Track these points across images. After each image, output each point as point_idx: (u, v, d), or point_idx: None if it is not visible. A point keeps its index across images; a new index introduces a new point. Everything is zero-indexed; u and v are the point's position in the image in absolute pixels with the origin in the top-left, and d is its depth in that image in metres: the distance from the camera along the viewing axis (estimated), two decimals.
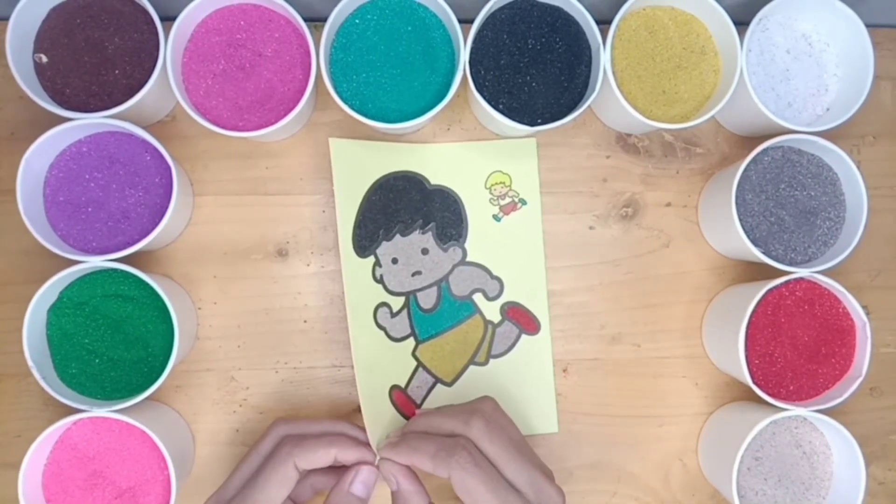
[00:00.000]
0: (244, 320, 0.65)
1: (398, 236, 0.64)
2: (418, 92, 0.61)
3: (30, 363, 0.57)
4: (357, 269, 0.63)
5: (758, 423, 0.59)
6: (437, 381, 0.64)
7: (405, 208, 0.64)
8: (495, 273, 0.65)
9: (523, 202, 0.65)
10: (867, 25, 0.62)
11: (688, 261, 0.68)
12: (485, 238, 0.65)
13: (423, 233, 0.64)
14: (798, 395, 0.62)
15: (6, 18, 0.58)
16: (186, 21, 0.60)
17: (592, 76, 0.62)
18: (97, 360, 0.60)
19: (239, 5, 0.61)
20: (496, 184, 0.65)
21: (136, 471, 0.59)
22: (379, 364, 0.62)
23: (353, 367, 0.62)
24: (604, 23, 0.61)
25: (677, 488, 0.67)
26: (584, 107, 0.60)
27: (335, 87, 0.60)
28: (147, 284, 0.59)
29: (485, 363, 0.65)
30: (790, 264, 0.62)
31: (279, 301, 0.65)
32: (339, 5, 0.59)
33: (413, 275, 0.64)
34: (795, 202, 0.63)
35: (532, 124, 0.60)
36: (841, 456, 0.62)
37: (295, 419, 0.59)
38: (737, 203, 0.62)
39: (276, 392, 0.65)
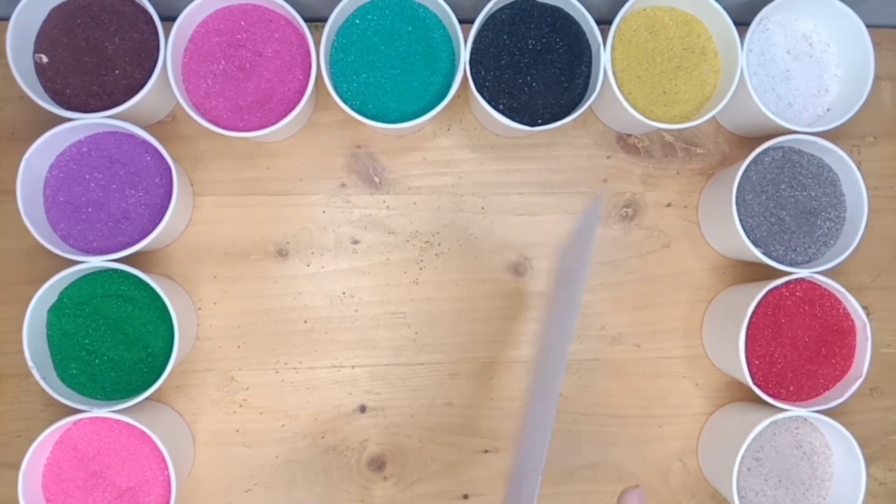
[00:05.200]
0: (244, 320, 0.65)
1: None
2: (418, 92, 0.61)
3: (30, 363, 0.57)
4: None
5: (758, 423, 0.59)
6: None
7: None
8: None
9: None
10: (867, 25, 0.62)
11: (688, 261, 0.68)
12: None
13: None
14: (798, 395, 0.62)
15: (6, 18, 0.58)
16: (186, 21, 0.60)
17: (592, 76, 0.62)
18: (97, 361, 0.60)
19: (239, 5, 0.61)
20: None
21: (136, 471, 0.59)
22: None
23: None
24: (604, 23, 0.61)
25: (677, 488, 0.67)
26: (585, 107, 0.60)
27: (335, 88, 0.60)
28: (147, 284, 0.59)
29: None
30: (790, 265, 0.62)
31: (279, 301, 0.65)
32: (340, 5, 0.59)
33: None
34: (796, 202, 0.63)
35: (532, 125, 0.60)
36: (841, 456, 0.62)
37: None
38: (737, 203, 0.62)
39: (276, 392, 0.65)
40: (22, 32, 0.59)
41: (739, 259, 0.67)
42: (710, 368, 0.68)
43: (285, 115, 0.59)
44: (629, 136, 0.68)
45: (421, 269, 0.66)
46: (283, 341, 0.65)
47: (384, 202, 0.66)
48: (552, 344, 0.53)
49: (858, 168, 0.62)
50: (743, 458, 0.61)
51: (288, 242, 0.66)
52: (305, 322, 0.66)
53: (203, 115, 0.60)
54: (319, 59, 0.59)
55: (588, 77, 0.62)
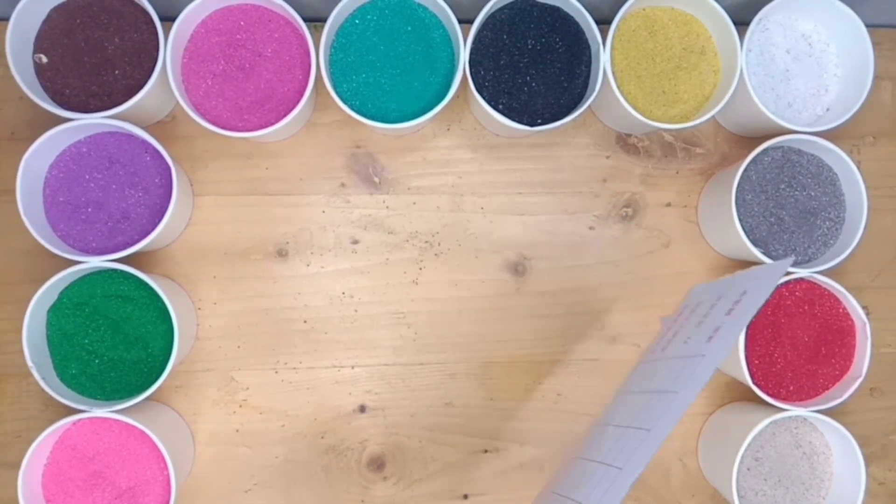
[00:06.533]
0: (244, 320, 0.65)
1: None
2: (418, 92, 0.61)
3: (30, 364, 0.57)
4: None
5: (758, 423, 0.59)
6: None
7: None
8: None
9: None
10: (867, 25, 0.62)
11: (688, 261, 0.68)
12: None
13: None
14: (798, 395, 0.62)
15: (6, 18, 0.58)
16: (186, 21, 0.60)
17: (592, 76, 0.62)
18: (97, 361, 0.60)
19: (239, 5, 0.61)
20: None
21: (136, 471, 0.59)
22: None
23: None
24: (604, 23, 0.61)
25: (677, 488, 0.67)
26: (584, 107, 0.60)
27: (335, 88, 0.60)
28: (147, 285, 0.59)
29: None
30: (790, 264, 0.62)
31: (279, 301, 0.65)
32: (339, 6, 0.59)
33: None
34: (795, 202, 0.63)
35: (532, 124, 0.60)
36: (841, 456, 0.62)
37: None
38: (737, 203, 0.62)
39: (276, 392, 0.65)
40: (22, 32, 0.59)
41: (739, 259, 0.67)
42: None
43: (285, 115, 0.59)
44: (629, 136, 0.68)
45: (421, 269, 0.66)
46: (283, 341, 0.65)
47: (384, 202, 0.66)
48: (654, 385, 0.47)
49: (858, 168, 0.62)
50: (742, 457, 0.61)
51: (288, 242, 0.66)
52: (305, 322, 0.66)
53: (203, 115, 0.60)
54: (319, 59, 0.59)
55: (587, 77, 0.62)
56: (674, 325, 0.54)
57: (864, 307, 0.61)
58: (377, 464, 0.65)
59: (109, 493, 0.59)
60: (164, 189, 0.60)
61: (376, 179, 0.66)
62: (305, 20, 0.60)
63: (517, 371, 0.67)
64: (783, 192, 0.62)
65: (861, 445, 0.60)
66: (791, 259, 0.46)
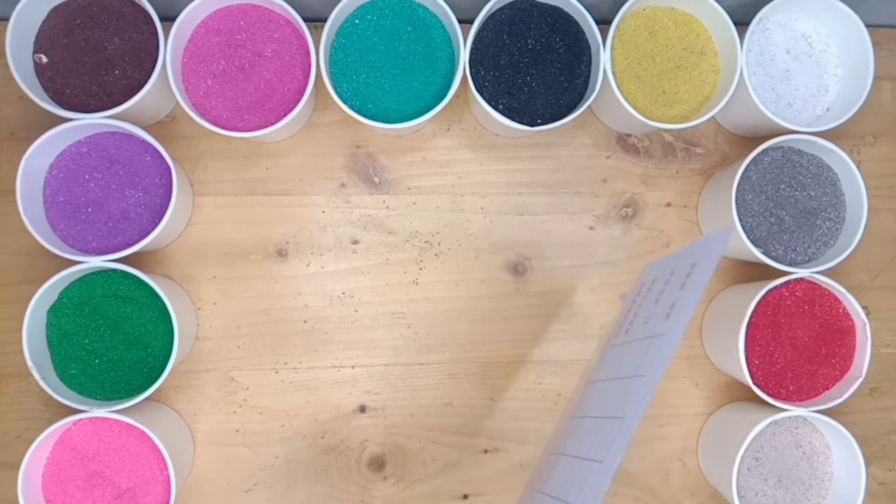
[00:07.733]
0: (244, 320, 0.65)
1: None
2: (418, 92, 0.61)
3: (30, 364, 0.57)
4: None
5: (758, 423, 0.59)
6: None
7: None
8: None
9: None
10: (867, 25, 0.62)
11: None
12: None
13: None
14: (798, 395, 0.62)
15: (6, 18, 0.58)
16: (186, 21, 0.60)
17: (592, 76, 0.62)
18: (97, 361, 0.60)
19: (239, 6, 0.61)
20: None
21: (136, 471, 0.59)
22: None
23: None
24: (604, 23, 0.61)
25: (677, 488, 0.67)
26: (584, 107, 0.60)
27: (335, 88, 0.60)
28: (147, 285, 0.59)
29: None
30: (790, 265, 0.62)
31: (279, 301, 0.65)
32: (339, 5, 0.59)
33: None
34: (795, 202, 0.63)
35: (532, 125, 0.60)
36: (841, 456, 0.62)
37: None
38: (737, 203, 0.62)
39: (275, 392, 0.65)
40: (22, 32, 0.59)
41: (739, 259, 0.67)
42: (710, 368, 0.68)
43: (285, 116, 0.59)
44: (629, 136, 0.68)
45: (421, 269, 0.66)
46: (283, 341, 0.65)
47: (384, 202, 0.66)
48: (622, 371, 0.48)
49: (858, 168, 0.62)
50: (743, 457, 0.61)
51: (288, 242, 0.66)
52: (305, 322, 0.66)
53: (203, 115, 0.60)
54: (319, 59, 0.60)
55: (587, 77, 0.62)
56: (633, 305, 0.54)
57: (864, 307, 0.61)
58: (377, 464, 0.65)
59: (109, 493, 0.59)
60: (164, 189, 0.60)
61: (376, 179, 0.66)
62: (305, 20, 0.60)
63: (517, 371, 0.67)
64: (783, 192, 0.62)
65: (861, 445, 0.60)
66: (731, 229, 0.45)
